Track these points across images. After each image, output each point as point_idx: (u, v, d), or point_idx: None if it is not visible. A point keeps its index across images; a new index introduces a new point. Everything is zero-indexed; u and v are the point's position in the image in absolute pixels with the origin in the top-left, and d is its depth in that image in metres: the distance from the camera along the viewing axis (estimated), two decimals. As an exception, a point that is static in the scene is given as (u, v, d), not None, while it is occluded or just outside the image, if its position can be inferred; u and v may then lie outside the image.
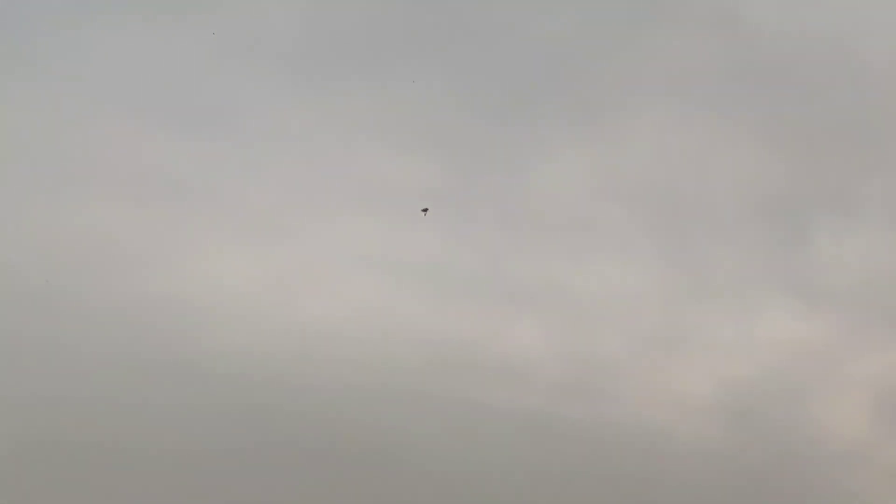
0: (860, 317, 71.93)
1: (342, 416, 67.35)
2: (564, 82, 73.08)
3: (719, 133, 73.71)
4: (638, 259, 72.57)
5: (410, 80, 70.07)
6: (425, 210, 68.83)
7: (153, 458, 60.82)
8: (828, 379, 71.33)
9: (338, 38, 71.11)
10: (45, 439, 59.18)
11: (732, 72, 73.87)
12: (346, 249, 71.02)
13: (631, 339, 71.13)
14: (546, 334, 71.36)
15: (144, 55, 71.46)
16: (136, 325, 64.44)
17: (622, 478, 66.30)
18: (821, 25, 74.05)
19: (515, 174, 72.60)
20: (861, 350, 71.52)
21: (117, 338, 63.45)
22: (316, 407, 67.23)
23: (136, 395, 62.39)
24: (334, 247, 71.06)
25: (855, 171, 73.35)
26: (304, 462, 63.83)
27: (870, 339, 71.75)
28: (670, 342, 71.38)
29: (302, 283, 70.43)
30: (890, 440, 70.18)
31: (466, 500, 64.85)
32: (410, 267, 71.30)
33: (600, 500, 66.04)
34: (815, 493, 67.99)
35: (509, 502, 64.83)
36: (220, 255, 69.69)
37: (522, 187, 72.47)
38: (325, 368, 68.27)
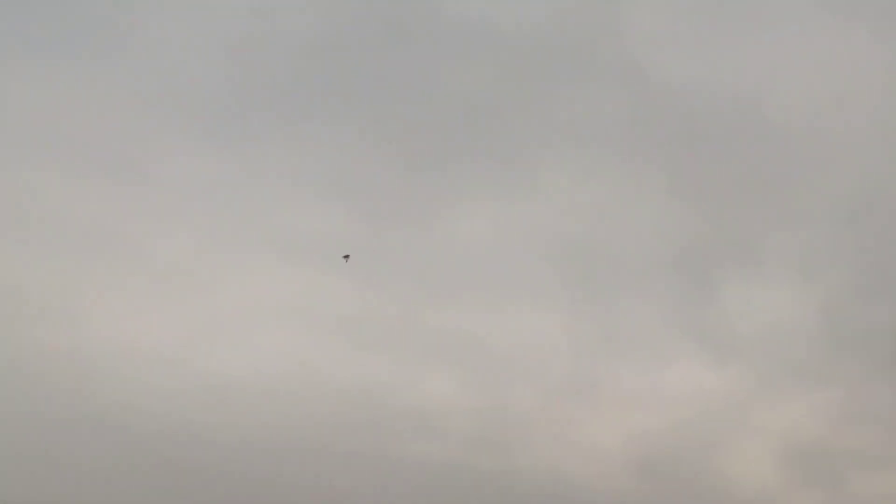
0: (766, 368, 73.51)
1: (253, 470, 66.90)
2: (479, 135, 74.12)
3: (630, 187, 75.25)
4: (550, 311, 73.41)
5: (326, 130, 70.33)
6: (346, 256, 68.96)
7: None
8: (735, 429, 72.69)
9: (253, 88, 71.43)
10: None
11: (643, 126, 75.68)
12: (260, 301, 70.99)
13: (543, 391, 71.85)
14: (460, 385, 71.74)
15: (54, 102, 70.92)
16: (38, 379, 63.36)
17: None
18: (727, 83, 76.26)
19: (431, 226, 73.26)
20: (767, 401, 73.02)
21: (18, 392, 62.34)
22: (227, 461, 66.73)
23: (38, 450, 61.35)
24: (247, 298, 70.94)
25: (760, 224, 75.31)
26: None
27: (776, 389, 73.35)
28: (581, 393, 72.23)
29: (214, 334, 69.97)
30: (796, 489, 71.61)
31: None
32: (325, 318, 71.52)
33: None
34: (723, 542, 69.15)
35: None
36: (130, 307, 68.97)
37: (438, 239, 73.10)
38: (236, 421, 67.86)
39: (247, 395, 68.57)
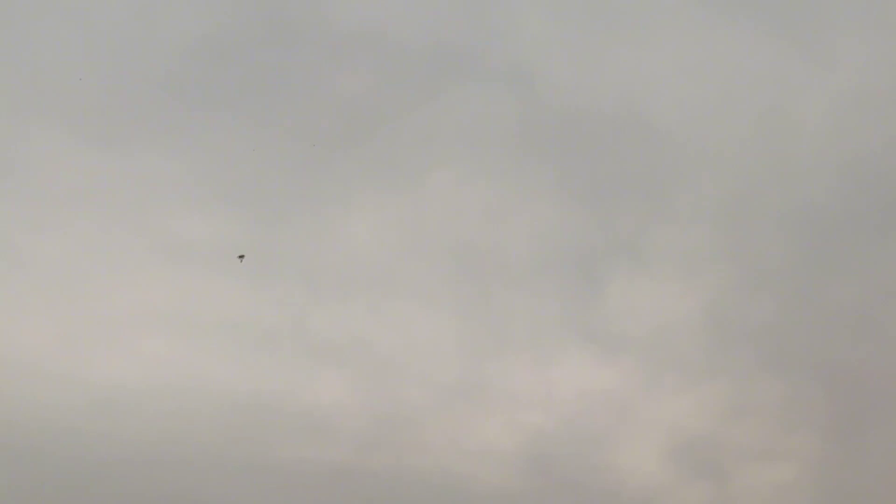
0: (653, 364, 74.89)
1: (143, 481, 66.04)
2: (365, 137, 74.55)
3: (517, 187, 76.29)
4: (438, 312, 73.94)
5: (210, 132, 70.16)
6: (241, 257, 68.78)
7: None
8: (623, 425, 73.87)
9: (135, 92, 70.80)
10: None
11: (530, 128, 76.82)
12: (144, 306, 70.13)
13: (433, 391, 72.24)
14: (349, 388, 71.85)
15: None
16: None
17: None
18: (611, 86, 78.01)
19: (318, 228, 73.37)
20: (655, 396, 74.42)
21: None
22: (114, 473, 65.81)
23: None
24: (131, 303, 70.00)
25: (644, 223, 76.81)
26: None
27: (663, 385, 74.77)
28: (471, 393, 72.77)
29: (96, 341, 68.89)
30: (684, 483, 72.95)
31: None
32: (211, 323, 70.84)
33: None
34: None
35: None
36: (14, 313, 67.67)
37: (325, 241, 73.21)
38: (123, 431, 67.00)
39: (133, 404, 67.77)
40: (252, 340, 71.00)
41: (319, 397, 71.11)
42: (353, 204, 73.47)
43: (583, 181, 76.36)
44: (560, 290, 75.12)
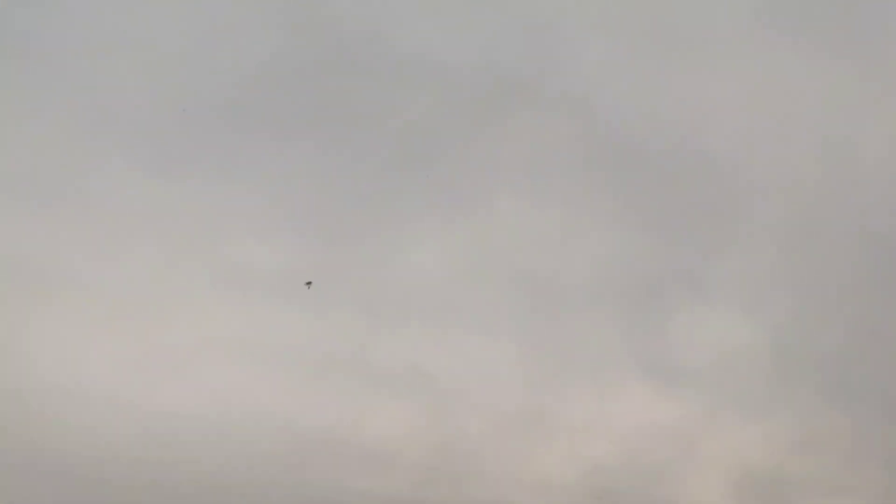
0: (716, 397, 73.65)
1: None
2: (429, 166, 74.72)
3: (578, 216, 75.97)
4: (499, 341, 73.47)
5: (274, 160, 70.61)
6: (309, 283, 68.93)
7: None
8: (685, 459, 72.62)
9: (197, 120, 71.58)
10: None
11: (590, 157, 76.77)
12: (209, 334, 70.34)
13: (493, 422, 71.59)
14: (409, 418, 71.43)
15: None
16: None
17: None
18: (671, 111, 77.70)
19: (378, 257, 73.49)
20: (717, 429, 73.13)
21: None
22: (179, 496, 65.92)
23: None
24: (196, 332, 70.33)
25: (705, 253, 75.98)
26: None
27: (725, 418, 73.47)
28: (532, 424, 72.02)
29: (160, 370, 69.25)
30: (747, 518, 71.45)
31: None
32: (273, 352, 70.96)
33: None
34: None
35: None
36: (79, 342, 68.29)
37: (385, 270, 73.28)
38: (186, 460, 67.05)
39: (197, 432, 67.88)
40: (313, 370, 71.01)
41: (379, 428, 70.81)
42: (416, 231, 73.53)
43: (644, 210, 75.98)
44: (621, 319, 74.57)
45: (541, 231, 75.83)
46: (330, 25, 73.84)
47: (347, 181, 72.86)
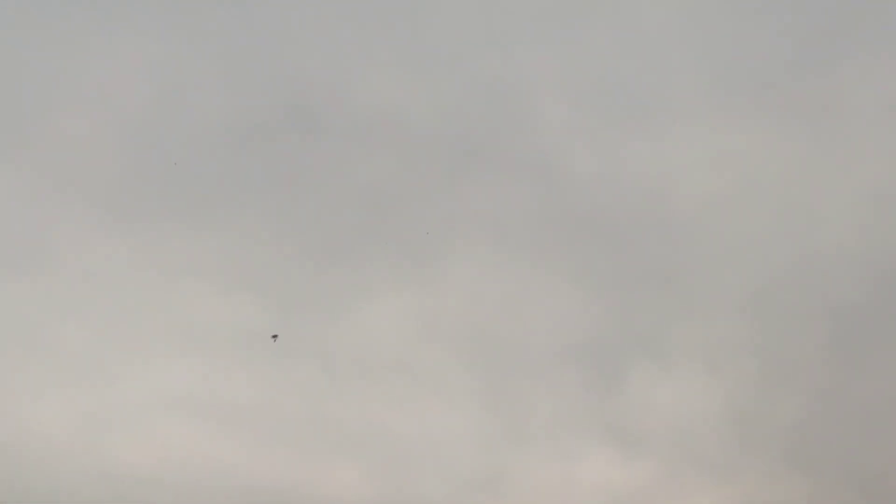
0: (673, 462, 73.31)
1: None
2: (386, 226, 75.15)
3: (536, 278, 76.20)
4: (457, 402, 73.30)
5: (229, 219, 70.85)
6: (275, 336, 68.86)
7: None
8: (643, 524, 72.07)
9: (154, 178, 71.98)
10: None
11: (548, 217, 77.25)
12: (161, 392, 70.00)
13: (450, 483, 71.11)
14: (366, 478, 70.93)
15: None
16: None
17: None
18: (631, 174, 78.35)
19: (336, 316, 73.38)
20: (676, 494, 72.68)
21: None
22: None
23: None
24: (148, 389, 69.98)
25: (664, 317, 76.15)
26: None
27: (684, 483, 73.07)
28: (489, 486, 71.50)
29: (114, 426, 68.77)
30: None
31: None
32: (228, 410, 70.59)
33: None
34: None
35: None
36: (28, 397, 68.00)
37: (343, 329, 73.16)
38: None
39: (152, 491, 67.32)
40: (269, 429, 70.60)
41: (335, 488, 70.31)
42: (373, 292, 73.71)
43: (603, 273, 76.26)
44: (579, 383, 74.34)
45: (499, 292, 76.16)
46: (289, 83, 74.78)
47: (306, 239, 73.27)
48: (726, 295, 76.70)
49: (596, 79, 79.33)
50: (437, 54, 77.48)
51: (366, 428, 71.89)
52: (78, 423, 68.06)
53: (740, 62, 79.71)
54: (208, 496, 67.77)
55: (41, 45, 72.86)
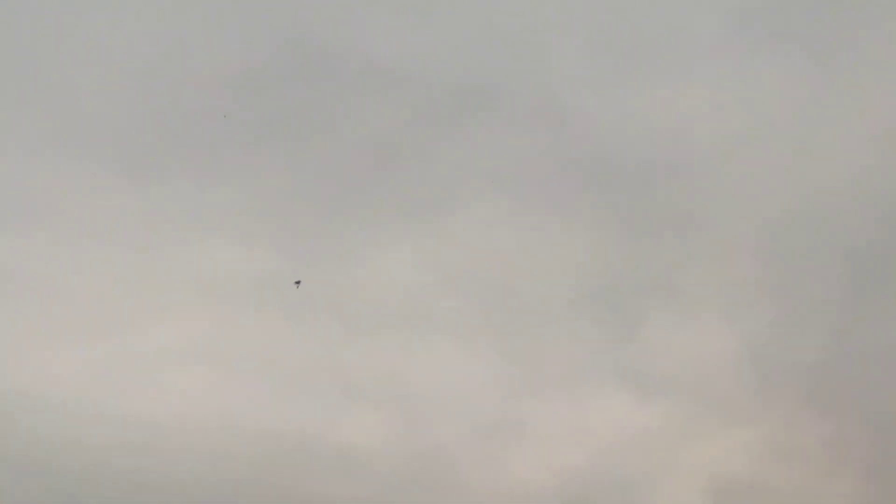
0: (691, 404, 73.19)
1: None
2: (400, 174, 74.93)
3: (551, 224, 75.98)
4: (472, 350, 73.43)
5: (242, 169, 70.69)
6: (298, 283, 68.87)
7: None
8: (661, 466, 72.15)
9: (168, 126, 71.90)
10: None
11: (563, 164, 76.82)
12: (177, 341, 70.55)
13: (467, 429, 71.46)
14: (383, 425, 71.31)
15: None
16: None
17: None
18: (644, 119, 77.70)
19: (351, 267, 73.44)
20: (693, 438, 72.68)
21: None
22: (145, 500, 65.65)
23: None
24: (170, 338, 70.65)
25: (680, 260, 75.77)
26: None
27: (701, 427, 73.04)
28: (506, 431, 71.83)
29: (131, 375, 69.55)
30: (723, 526, 70.77)
31: None
32: (245, 358, 71.12)
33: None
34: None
35: None
36: (46, 348, 68.56)
37: (358, 279, 73.27)
38: (154, 465, 66.91)
39: (170, 438, 67.84)
40: (285, 376, 71.08)
41: (352, 434, 70.66)
42: (387, 240, 73.71)
43: (619, 218, 75.98)
44: (595, 327, 74.27)
45: (515, 239, 76.00)
46: (301, 34, 74.41)
47: (320, 188, 73.23)
48: (741, 236, 76.42)
49: (607, 23, 78.83)
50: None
51: (382, 376, 72.29)
52: (91, 375, 68.69)
53: (752, 3, 79.07)
54: (224, 444, 68.28)
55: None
